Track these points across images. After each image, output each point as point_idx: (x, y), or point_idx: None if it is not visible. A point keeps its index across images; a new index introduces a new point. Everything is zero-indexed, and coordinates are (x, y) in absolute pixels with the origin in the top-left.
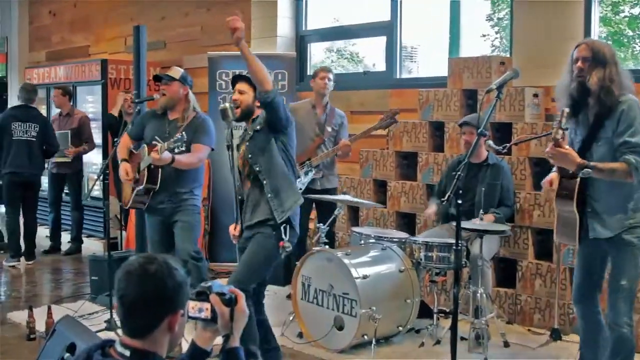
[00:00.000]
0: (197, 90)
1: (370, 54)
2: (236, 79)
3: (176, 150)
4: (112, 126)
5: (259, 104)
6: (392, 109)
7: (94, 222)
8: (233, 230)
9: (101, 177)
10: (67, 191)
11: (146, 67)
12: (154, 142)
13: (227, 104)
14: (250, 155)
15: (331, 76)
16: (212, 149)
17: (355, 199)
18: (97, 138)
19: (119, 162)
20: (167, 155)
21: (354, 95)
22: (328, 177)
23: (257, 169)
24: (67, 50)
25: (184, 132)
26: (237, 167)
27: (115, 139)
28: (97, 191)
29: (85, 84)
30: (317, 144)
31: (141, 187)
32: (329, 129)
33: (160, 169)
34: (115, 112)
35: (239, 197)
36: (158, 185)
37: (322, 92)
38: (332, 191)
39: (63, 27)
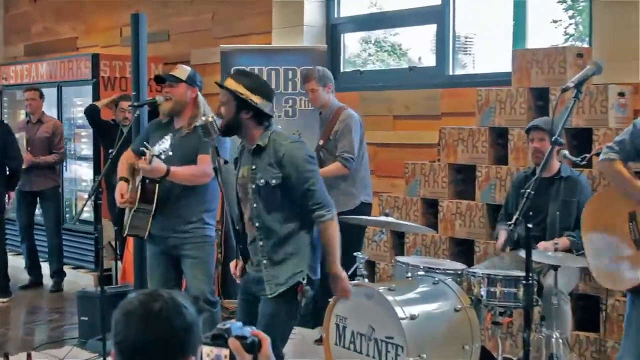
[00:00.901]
0: (207, 91)
1: (416, 45)
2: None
3: (162, 157)
4: (103, 129)
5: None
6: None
7: (84, 251)
8: (234, 268)
9: (93, 197)
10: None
11: (147, 64)
12: (141, 149)
13: (209, 117)
14: (253, 199)
15: (316, 78)
16: (226, 162)
17: (400, 222)
18: (87, 149)
19: (117, 180)
20: (158, 164)
21: (396, 97)
22: (339, 197)
23: (257, 225)
24: (50, 43)
25: (168, 137)
26: (234, 191)
27: (110, 150)
28: (87, 213)
29: (73, 83)
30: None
31: (135, 206)
32: (320, 142)
33: (157, 185)
34: (100, 104)
35: (237, 228)
36: (154, 205)
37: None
38: (353, 214)
39: (46, 15)
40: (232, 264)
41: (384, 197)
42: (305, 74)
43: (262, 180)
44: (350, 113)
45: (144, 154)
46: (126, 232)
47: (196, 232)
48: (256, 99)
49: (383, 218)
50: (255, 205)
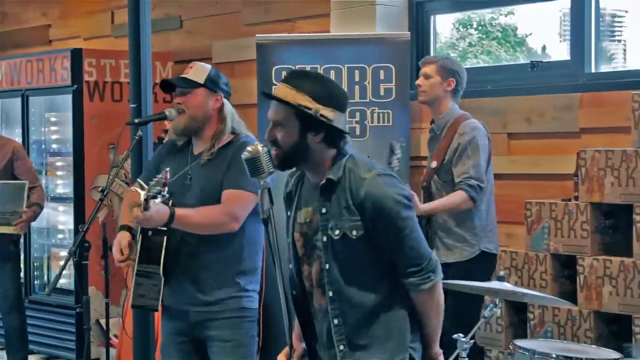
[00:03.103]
0: (237, 101)
1: (540, 29)
2: (271, 95)
3: (157, 201)
4: None
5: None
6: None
7: (61, 333)
8: None
9: (75, 255)
10: None
11: (151, 62)
12: (133, 189)
13: (258, 146)
14: (325, 257)
15: (429, 69)
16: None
17: (519, 289)
18: (64, 186)
19: (117, 229)
20: (159, 209)
21: (512, 105)
22: (446, 241)
23: (330, 294)
24: (11, 35)
25: (167, 170)
26: (291, 241)
27: (101, 187)
28: (66, 279)
29: (44, 92)
30: (422, 186)
31: (135, 270)
32: (432, 164)
33: (165, 237)
34: None
35: (293, 292)
36: (161, 266)
37: (423, 96)
38: (467, 267)
39: None
40: (280, 356)
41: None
42: (428, 56)
43: (338, 231)
44: (476, 125)
45: (137, 192)
46: (131, 303)
47: (228, 304)
48: (328, 113)
49: (495, 284)
50: (327, 265)
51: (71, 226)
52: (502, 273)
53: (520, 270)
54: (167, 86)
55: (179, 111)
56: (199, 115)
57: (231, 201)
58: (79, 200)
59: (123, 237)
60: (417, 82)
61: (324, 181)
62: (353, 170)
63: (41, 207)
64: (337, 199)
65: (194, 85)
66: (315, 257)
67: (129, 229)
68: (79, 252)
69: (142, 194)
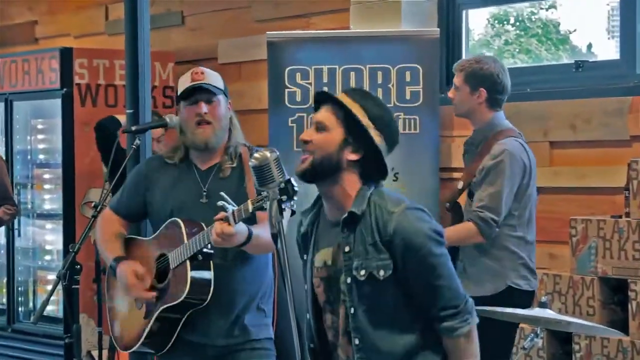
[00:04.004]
0: (246, 106)
1: (585, 27)
2: (320, 98)
3: (286, 213)
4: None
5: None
6: None
7: None
8: None
9: (64, 279)
10: None
11: (150, 63)
12: (220, 204)
13: (267, 152)
14: (349, 301)
15: (458, 80)
16: (293, 212)
17: (563, 317)
18: (53, 201)
19: (108, 264)
20: (242, 227)
21: (555, 111)
22: (473, 271)
23: (357, 343)
24: None
25: (282, 179)
26: (309, 288)
27: (94, 203)
28: (53, 305)
29: (30, 95)
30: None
31: (176, 301)
32: (458, 184)
33: (211, 262)
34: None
35: (311, 345)
36: (210, 296)
37: (455, 110)
38: (493, 301)
39: None
40: None
41: (536, 276)
42: (458, 62)
43: (363, 272)
44: (510, 148)
45: (223, 209)
46: (136, 346)
47: (255, 332)
48: (376, 136)
49: (536, 311)
50: (352, 310)
51: (60, 246)
52: (544, 299)
53: (565, 295)
54: (188, 93)
55: (202, 122)
56: (224, 127)
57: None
58: (68, 217)
59: (135, 265)
60: (449, 94)
61: (345, 215)
62: (379, 203)
63: (8, 216)
64: (361, 236)
65: (218, 92)
66: (340, 303)
67: (123, 259)
68: (69, 275)
69: (230, 208)
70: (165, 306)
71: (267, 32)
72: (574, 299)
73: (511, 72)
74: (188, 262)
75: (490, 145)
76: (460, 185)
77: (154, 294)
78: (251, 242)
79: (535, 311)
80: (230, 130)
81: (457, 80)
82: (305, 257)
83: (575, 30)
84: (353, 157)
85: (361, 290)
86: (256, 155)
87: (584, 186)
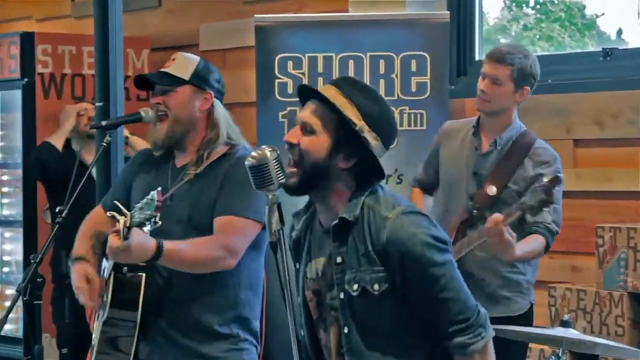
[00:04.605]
0: (230, 98)
1: (613, 10)
2: (304, 92)
3: (146, 229)
4: (49, 170)
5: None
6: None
7: None
8: None
9: (24, 294)
10: None
11: (122, 50)
12: (109, 214)
13: (266, 150)
14: (343, 318)
15: (499, 71)
16: (265, 227)
17: (589, 337)
18: (12, 207)
19: (70, 261)
20: (142, 241)
21: (579, 104)
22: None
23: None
24: None
25: (156, 190)
26: (302, 300)
27: (59, 208)
28: (13, 324)
29: None
30: (466, 218)
31: (104, 316)
32: (490, 190)
33: (143, 276)
34: (58, 141)
35: None
36: (139, 313)
37: (477, 102)
38: (519, 321)
39: None
40: None
41: (558, 291)
42: (500, 48)
43: (356, 286)
44: (555, 152)
45: (114, 220)
46: (94, 358)
47: (226, 358)
48: (372, 139)
49: (558, 330)
50: (346, 329)
51: (20, 257)
52: (566, 317)
53: (590, 313)
54: (143, 83)
55: (158, 115)
56: (183, 120)
57: (228, 231)
58: (29, 225)
59: (86, 268)
60: (482, 86)
61: (336, 221)
62: (373, 208)
63: None
64: (354, 245)
65: (178, 82)
66: (332, 320)
67: (83, 260)
68: (30, 289)
69: (122, 219)
70: (103, 319)
71: (255, 15)
72: (600, 317)
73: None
74: (112, 273)
75: (525, 148)
76: (492, 190)
77: (98, 301)
78: (165, 258)
79: (557, 330)
80: (209, 126)
81: (501, 73)
82: (297, 266)
83: (602, 14)
84: (345, 164)
85: (354, 307)
86: (253, 153)
87: (612, 190)
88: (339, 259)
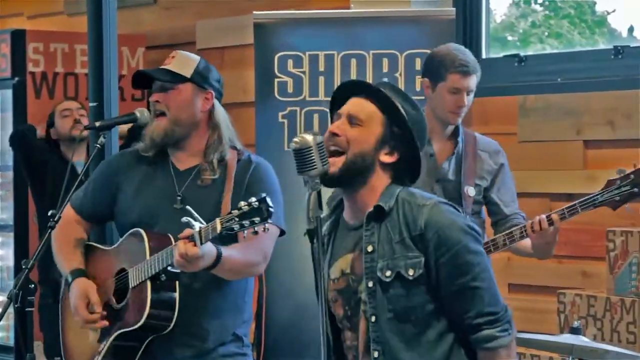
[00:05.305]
0: (229, 98)
1: (625, 6)
2: (347, 88)
3: (243, 234)
4: (29, 151)
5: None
6: (636, 166)
7: None
8: None
9: (16, 300)
10: None
11: (117, 48)
12: (185, 220)
13: (307, 135)
14: (371, 308)
15: (473, 82)
16: (282, 232)
17: (600, 345)
18: (4, 211)
19: (65, 277)
20: (210, 248)
21: (590, 104)
22: None
23: (376, 356)
24: None
25: (261, 195)
26: (324, 306)
27: (51, 212)
28: (4, 331)
29: None
30: None
31: (134, 326)
32: (469, 191)
33: (176, 284)
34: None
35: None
36: (173, 321)
37: (449, 118)
38: None
39: None
40: None
41: (567, 297)
42: (463, 59)
43: (389, 272)
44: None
45: (188, 226)
46: None
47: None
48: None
49: (568, 337)
50: (374, 318)
51: (11, 262)
52: (576, 324)
53: (601, 320)
54: (141, 80)
55: (157, 113)
56: (183, 119)
57: (261, 237)
58: (21, 229)
59: (89, 287)
60: (464, 102)
61: (370, 209)
62: (408, 200)
63: None
64: (386, 235)
65: (178, 79)
66: (359, 316)
67: (84, 274)
68: (22, 296)
69: (197, 225)
70: (120, 331)
71: (254, 12)
72: (611, 324)
73: (539, 59)
74: (149, 283)
75: (472, 142)
76: (471, 192)
77: (102, 324)
78: (221, 265)
79: (566, 337)
80: (210, 128)
81: (473, 83)
82: (322, 270)
83: (614, 11)
84: (388, 159)
85: (386, 294)
86: (296, 139)
87: None
88: (369, 248)
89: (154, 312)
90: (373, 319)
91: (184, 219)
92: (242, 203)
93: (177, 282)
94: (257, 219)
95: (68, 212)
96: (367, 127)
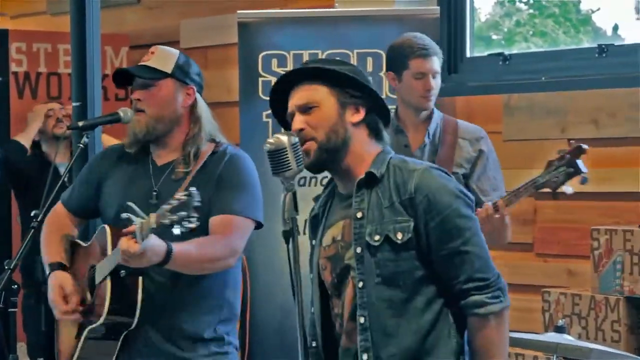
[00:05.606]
0: (213, 97)
1: (610, 5)
2: (292, 77)
3: (176, 232)
4: (16, 170)
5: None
6: (571, 145)
7: None
8: None
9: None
10: None
11: (100, 47)
12: (125, 216)
13: (282, 136)
14: (358, 273)
15: (436, 64)
16: (259, 225)
17: (584, 343)
18: None
19: (46, 269)
20: (154, 244)
21: (575, 103)
22: None
23: (362, 322)
24: None
25: (192, 189)
26: (315, 273)
27: (34, 212)
28: None
29: None
30: None
31: (97, 322)
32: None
33: (139, 279)
34: (26, 140)
35: (312, 344)
36: (136, 317)
37: (421, 103)
38: None
39: None
40: None
41: (552, 296)
42: (422, 43)
43: (378, 237)
44: (476, 125)
45: (129, 222)
46: None
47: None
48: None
49: (552, 336)
50: (360, 283)
51: None
52: (561, 322)
53: (585, 318)
54: (122, 77)
55: (137, 110)
56: (165, 115)
57: (228, 230)
58: (3, 229)
59: (65, 279)
60: (432, 85)
61: (362, 176)
62: (399, 166)
63: None
64: (377, 201)
65: (159, 75)
66: (347, 282)
67: (63, 267)
68: (4, 296)
69: (139, 221)
70: (89, 327)
71: (238, 11)
72: (596, 323)
73: (524, 58)
74: (109, 279)
75: (452, 131)
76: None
77: (76, 316)
78: (172, 261)
79: (551, 336)
80: (192, 122)
81: (437, 65)
82: (314, 242)
83: (598, 10)
84: (357, 117)
85: (374, 258)
86: (270, 140)
87: (608, 191)
88: (359, 214)
89: (115, 307)
90: (360, 284)
91: (124, 215)
92: (174, 196)
93: (139, 278)
94: (183, 214)
95: (58, 207)
96: (321, 104)
